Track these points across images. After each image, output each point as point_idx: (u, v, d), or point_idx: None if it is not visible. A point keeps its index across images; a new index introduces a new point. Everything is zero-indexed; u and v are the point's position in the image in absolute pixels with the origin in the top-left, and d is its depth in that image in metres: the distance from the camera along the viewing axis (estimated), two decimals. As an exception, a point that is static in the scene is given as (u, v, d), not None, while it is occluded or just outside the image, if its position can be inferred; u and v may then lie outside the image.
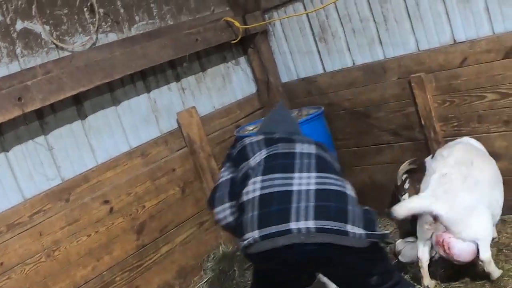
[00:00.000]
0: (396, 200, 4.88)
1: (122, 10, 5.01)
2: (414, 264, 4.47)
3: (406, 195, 4.96)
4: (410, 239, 4.75)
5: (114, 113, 4.94)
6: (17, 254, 4.19)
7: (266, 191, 3.32)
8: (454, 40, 4.88)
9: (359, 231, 3.14)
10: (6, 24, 4.29)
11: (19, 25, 4.35)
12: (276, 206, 3.23)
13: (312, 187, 3.29)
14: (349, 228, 3.13)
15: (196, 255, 5.38)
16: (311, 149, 3.58)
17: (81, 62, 4.53)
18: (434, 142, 5.17)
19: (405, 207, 4.07)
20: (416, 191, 4.54)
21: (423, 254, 4.22)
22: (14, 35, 4.32)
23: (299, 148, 3.57)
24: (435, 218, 4.00)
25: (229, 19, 5.59)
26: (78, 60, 4.55)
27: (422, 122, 5.17)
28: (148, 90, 5.22)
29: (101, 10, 4.84)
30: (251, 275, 5.02)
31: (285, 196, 3.26)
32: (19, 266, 4.18)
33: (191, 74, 5.59)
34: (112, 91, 4.91)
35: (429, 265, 4.29)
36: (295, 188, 3.28)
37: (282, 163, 3.47)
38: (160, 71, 5.31)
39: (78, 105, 4.69)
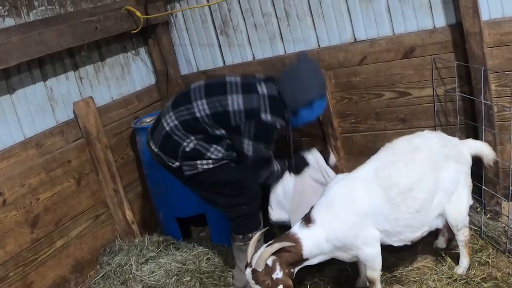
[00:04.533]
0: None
1: (21, -5, 4.80)
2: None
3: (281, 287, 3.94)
4: None
5: (9, 101, 4.73)
6: None
7: None
8: (355, 39, 5.00)
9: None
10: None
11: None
12: None
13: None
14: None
15: (92, 249, 5.27)
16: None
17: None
18: (331, 138, 5.27)
19: None
20: (289, 276, 3.90)
21: None
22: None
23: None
24: None
25: (131, 8, 5.47)
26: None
27: (320, 118, 5.23)
28: (45, 78, 5.03)
29: (-1, -6, 4.61)
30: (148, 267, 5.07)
31: None
32: None
33: (89, 63, 5.46)
34: (7, 78, 4.70)
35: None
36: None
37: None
38: (58, 59, 5.13)
39: (-28, 91, 4.47)
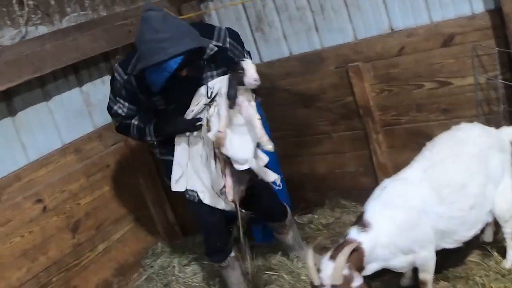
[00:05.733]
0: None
1: (53, 2, 4.80)
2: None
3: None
4: None
5: (46, 108, 4.78)
6: (-51, 259, 4.02)
7: None
8: (392, 29, 4.87)
9: None
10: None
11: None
12: None
13: None
14: None
15: (135, 251, 5.30)
16: None
17: (10, 57, 4.31)
18: (373, 132, 5.17)
19: None
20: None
21: None
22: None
23: None
24: None
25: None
26: (6, 54, 4.32)
27: (361, 111, 5.15)
28: (80, 84, 5.07)
29: (31, 2, 4.62)
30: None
31: None
32: (-49, 271, 4.02)
33: (125, 66, 5.43)
34: (43, 86, 4.75)
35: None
36: None
37: None
38: (93, 64, 5.16)
39: (8, 101, 4.50)
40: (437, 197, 3.67)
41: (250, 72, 3.78)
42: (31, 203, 4.54)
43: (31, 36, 4.60)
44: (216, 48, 3.98)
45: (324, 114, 5.43)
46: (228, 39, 4.13)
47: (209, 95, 4.00)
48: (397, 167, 4.16)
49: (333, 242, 4.74)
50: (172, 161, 4.28)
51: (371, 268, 3.66)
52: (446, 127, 4.08)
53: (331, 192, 5.63)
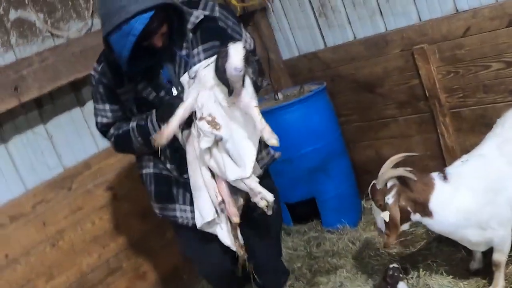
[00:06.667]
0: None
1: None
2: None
3: (386, 213, 3.69)
4: None
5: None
6: (21, 245, 4.17)
7: None
8: (457, 10, 4.78)
9: None
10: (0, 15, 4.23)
11: (13, 15, 4.27)
12: None
13: None
14: None
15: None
16: None
17: (77, 48, 4.43)
18: (440, 114, 5.10)
19: None
20: (402, 211, 3.67)
21: None
22: (8, 25, 4.25)
23: None
24: None
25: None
26: (73, 46, 4.45)
27: (427, 94, 5.08)
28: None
29: (95, -5, 4.74)
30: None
31: None
32: (23, 257, 4.16)
33: (190, 55, 5.50)
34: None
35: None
36: None
37: None
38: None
39: (76, 92, 4.64)
40: None
41: (233, 58, 3.01)
42: (102, 190, 4.67)
43: (96, 28, 4.68)
44: (202, 16, 3.41)
45: (389, 98, 5.38)
46: (217, 8, 3.52)
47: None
48: (465, 150, 4.14)
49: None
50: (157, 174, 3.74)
51: (440, 226, 3.74)
52: (513, 108, 4.01)
53: (398, 177, 5.55)
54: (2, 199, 4.17)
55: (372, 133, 5.67)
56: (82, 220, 4.52)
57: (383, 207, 3.67)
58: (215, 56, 3.18)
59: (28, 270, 4.18)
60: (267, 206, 3.27)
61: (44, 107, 4.45)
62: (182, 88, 3.40)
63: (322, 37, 5.67)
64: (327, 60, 5.65)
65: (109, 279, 4.63)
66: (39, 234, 4.28)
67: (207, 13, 3.44)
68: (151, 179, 3.74)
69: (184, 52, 3.41)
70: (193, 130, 3.31)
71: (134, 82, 3.42)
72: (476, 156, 3.82)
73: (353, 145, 5.69)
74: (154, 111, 3.45)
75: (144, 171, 3.79)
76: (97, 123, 3.69)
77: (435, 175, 3.75)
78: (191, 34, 3.40)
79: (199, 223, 3.45)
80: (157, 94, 3.45)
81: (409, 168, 3.74)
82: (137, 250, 4.83)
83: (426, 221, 3.73)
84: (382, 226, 3.76)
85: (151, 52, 3.31)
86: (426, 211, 3.67)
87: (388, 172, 3.69)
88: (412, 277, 4.21)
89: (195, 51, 3.41)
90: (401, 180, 3.67)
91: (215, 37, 3.43)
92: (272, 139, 3.13)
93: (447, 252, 4.42)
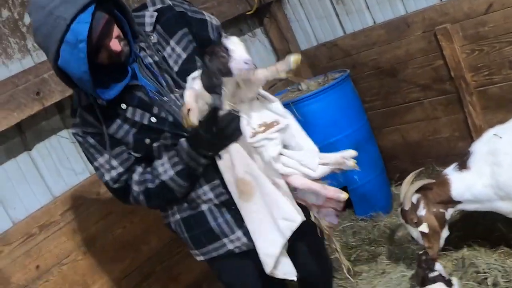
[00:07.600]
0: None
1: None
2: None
3: (424, 225, 3.79)
4: None
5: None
6: (53, 255, 4.06)
7: None
8: (478, -14, 4.69)
9: None
10: (14, 19, 4.12)
11: (28, 19, 4.15)
12: None
13: None
14: None
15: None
16: None
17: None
18: (466, 94, 5.00)
19: None
20: (436, 216, 3.83)
21: None
22: (24, 30, 4.16)
23: None
24: None
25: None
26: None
27: (452, 74, 4.99)
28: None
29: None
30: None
31: None
32: (55, 267, 4.06)
33: (207, 49, 5.41)
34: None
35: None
36: None
37: None
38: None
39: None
40: None
41: (238, 52, 2.52)
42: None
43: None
44: (156, 13, 2.92)
45: (413, 81, 5.29)
46: None
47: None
48: (494, 128, 4.06)
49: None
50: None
51: (473, 206, 3.85)
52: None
53: (426, 160, 5.48)
54: (30, 209, 4.06)
55: (397, 118, 5.58)
56: (113, 225, 4.41)
57: (420, 221, 3.83)
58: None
59: (61, 280, 4.07)
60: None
61: (66, 111, 4.31)
62: (177, 89, 2.89)
63: (341, 24, 5.59)
64: (347, 47, 5.55)
65: (143, 284, 4.53)
66: (70, 242, 4.17)
67: (158, 6, 2.97)
68: (181, 226, 3.12)
69: (156, 58, 2.90)
70: (242, 149, 2.76)
71: (121, 114, 2.89)
72: (507, 129, 3.82)
73: (378, 131, 5.61)
74: (181, 141, 2.86)
75: (171, 219, 3.16)
76: (106, 184, 3.07)
77: (449, 170, 3.90)
78: (153, 36, 2.92)
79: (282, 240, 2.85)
80: (151, 113, 2.88)
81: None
82: (169, 253, 4.71)
83: (458, 207, 3.89)
84: (422, 241, 3.87)
85: (118, 69, 2.82)
86: (454, 202, 3.85)
87: (409, 190, 3.86)
88: (456, 259, 4.17)
89: (168, 49, 2.93)
90: (422, 191, 3.87)
91: (181, 24, 2.97)
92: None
93: (487, 231, 4.36)
